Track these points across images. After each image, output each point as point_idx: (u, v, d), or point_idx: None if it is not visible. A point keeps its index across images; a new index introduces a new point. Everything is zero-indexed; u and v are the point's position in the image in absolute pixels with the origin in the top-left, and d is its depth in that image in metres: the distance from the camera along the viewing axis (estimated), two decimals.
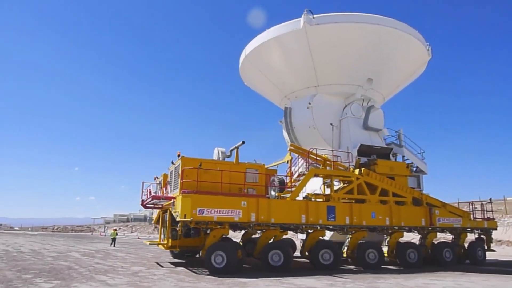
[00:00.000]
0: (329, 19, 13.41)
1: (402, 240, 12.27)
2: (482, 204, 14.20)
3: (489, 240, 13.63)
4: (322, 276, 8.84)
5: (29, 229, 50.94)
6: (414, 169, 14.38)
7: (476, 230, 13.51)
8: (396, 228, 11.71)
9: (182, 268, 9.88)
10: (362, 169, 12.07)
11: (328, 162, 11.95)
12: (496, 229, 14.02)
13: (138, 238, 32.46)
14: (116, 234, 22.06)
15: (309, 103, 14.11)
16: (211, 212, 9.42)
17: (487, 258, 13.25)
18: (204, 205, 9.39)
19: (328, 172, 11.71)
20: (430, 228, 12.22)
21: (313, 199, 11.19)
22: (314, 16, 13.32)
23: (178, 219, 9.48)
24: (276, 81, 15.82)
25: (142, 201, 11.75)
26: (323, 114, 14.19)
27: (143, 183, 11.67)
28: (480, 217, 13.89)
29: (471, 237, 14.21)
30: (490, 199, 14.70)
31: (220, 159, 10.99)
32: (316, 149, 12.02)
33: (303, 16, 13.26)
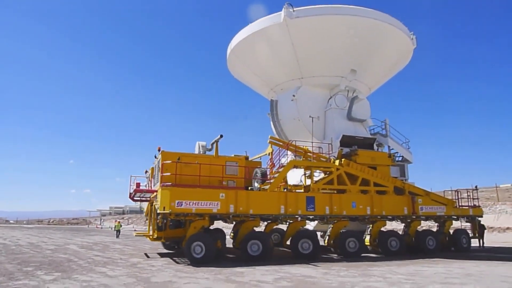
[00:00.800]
0: (310, 11, 13.44)
1: (387, 228, 12.34)
2: (468, 192, 14.18)
3: (475, 227, 13.66)
4: (317, 264, 9.03)
5: (25, 222, 51.51)
6: (400, 158, 14.54)
7: (462, 218, 13.51)
8: (379, 217, 11.77)
9: (180, 258, 10.03)
10: (343, 159, 12.18)
11: (309, 154, 12.06)
12: (481, 217, 13.98)
13: (135, 230, 32.94)
14: (120, 226, 22.72)
15: (293, 95, 14.29)
16: (189, 204, 9.66)
17: (475, 245, 13.34)
18: (182, 197, 9.64)
19: (308, 164, 11.88)
20: (414, 217, 12.30)
21: (293, 191, 11.46)
22: (295, 9, 13.37)
23: (158, 211, 9.80)
24: (262, 74, 15.97)
25: (130, 194, 12.05)
26: (307, 106, 14.34)
27: (131, 176, 12.01)
28: (467, 205, 13.78)
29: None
30: (476, 187, 14.65)
31: (201, 152, 11.20)
32: (295, 141, 12.21)
33: (283, 9, 13.31)
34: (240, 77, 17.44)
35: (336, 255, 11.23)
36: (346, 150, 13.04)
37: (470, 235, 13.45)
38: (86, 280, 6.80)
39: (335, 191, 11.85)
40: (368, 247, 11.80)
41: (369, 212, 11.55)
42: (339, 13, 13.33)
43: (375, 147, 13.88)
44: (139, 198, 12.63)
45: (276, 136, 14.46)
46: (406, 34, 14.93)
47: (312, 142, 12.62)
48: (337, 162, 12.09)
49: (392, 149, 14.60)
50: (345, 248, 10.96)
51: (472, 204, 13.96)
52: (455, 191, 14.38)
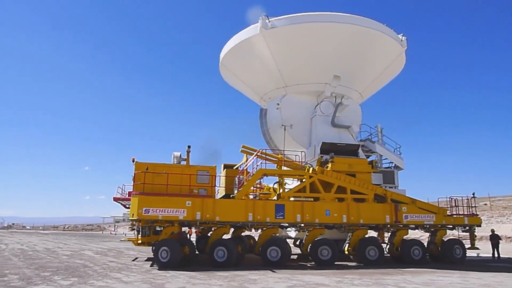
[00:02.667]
0: (284, 21, 13.64)
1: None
2: (462, 200, 13.15)
3: (472, 237, 12.79)
4: (328, 271, 9.18)
5: (41, 228, 53.48)
6: (392, 165, 14.27)
7: (459, 227, 12.79)
8: (361, 225, 11.55)
9: (194, 266, 10.15)
10: (317, 167, 12.18)
11: (284, 162, 12.25)
12: (479, 226, 13.06)
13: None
14: None
15: (278, 104, 14.56)
16: (156, 212, 10.32)
17: (472, 256, 12.81)
18: (149, 205, 10.32)
19: (277, 172, 12.06)
20: (401, 226, 11.93)
21: (263, 199, 11.63)
22: (271, 19, 13.66)
23: (129, 218, 10.62)
24: (250, 84, 16.43)
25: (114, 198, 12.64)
26: (292, 114, 14.52)
27: (117, 187, 12.68)
28: (465, 213, 12.93)
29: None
30: (473, 194, 13.54)
31: (175, 162, 11.79)
32: (266, 149, 12.48)
33: (259, 20, 13.70)
34: (234, 86, 17.84)
35: (309, 263, 11.21)
36: (326, 157, 12.96)
37: (468, 246, 12.48)
38: (102, 285, 7.00)
39: (312, 199, 11.84)
40: (351, 256, 11.68)
41: (346, 220, 11.41)
42: (315, 21, 13.38)
43: (360, 153, 13.58)
44: (125, 205, 13.21)
45: (266, 145, 14.87)
46: (393, 37, 14.60)
47: (283, 151, 12.79)
48: (311, 170, 12.13)
49: (380, 155, 14.35)
50: (317, 256, 10.97)
51: (470, 213, 13.08)
52: (449, 199, 13.41)
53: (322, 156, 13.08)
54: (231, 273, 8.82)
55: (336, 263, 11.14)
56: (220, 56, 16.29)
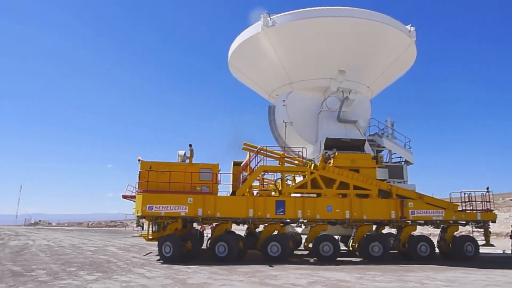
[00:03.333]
0: (286, 18, 13.62)
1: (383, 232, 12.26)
2: (474, 195, 12.55)
3: (487, 233, 12.32)
4: (350, 266, 9.23)
5: (66, 224, 53.97)
6: (402, 159, 13.97)
7: (473, 223, 12.38)
8: (365, 221, 11.50)
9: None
10: (319, 163, 12.23)
11: (286, 159, 12.37)
12: (494, 222, 12.55)
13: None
14: None
15: (284, 101, 14.64)
16: (159, 208, 10.85)
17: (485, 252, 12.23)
18: (152, 202, 10.87)
19: (279, 168, 12.18)
20: (408, 222, 11.75)
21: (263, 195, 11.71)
22: (273, 16, 13.69)
23: (135, 214, 11.19)
24: (258, 81, 16.59)
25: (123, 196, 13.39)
26: (298, 110, 14.53)
27: (128, 185, 13.36)
28: (480, 208, 12.40)
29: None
30: (488, 188, 12.93)
31: (180, 161, 12.22)
32: (268, 146, 12.58)
33: (261, 18, 13.78)
34: (244, 83, 17.99)
35: (311, 259, 11.36)
36: (330, 153, 12.91)
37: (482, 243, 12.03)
38: (126, 280, 7.18)
39: (316, 195, 11.88)
40: (357, 252, 11.72)
41: (348, 216, 11.38)
42: (316, 16, 13.26)
43: (367, 148, 13.35)
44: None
45: (275, 142, 15.00)
46: (398, 28, 14.17)
47: (284, 147, 12.95)
48: (312, 166, 12.19)
49: (389, 150, 14.07)
50: (319, 251, 11.08)
51: (485, 208, 12.52)
52: (463, 194, 12.83)
53: (326, 152, 13.04)
54: (252, 269, 8.96)
55: (339, 259, 11.14)
56: (228, 55, 16.51)
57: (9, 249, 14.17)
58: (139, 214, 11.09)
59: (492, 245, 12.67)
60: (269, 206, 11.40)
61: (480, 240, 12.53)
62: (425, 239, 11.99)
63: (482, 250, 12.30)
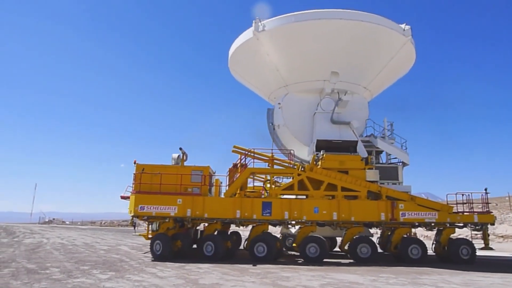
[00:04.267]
0: (275, 22, 13.83)
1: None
2: (470, 196, 12.30)
3: (485, 236, 11.94)
4: (364, 268, 9.24)
5: (79, 223, 54.08)
6: (399, 160, 13.84)
7: (471, 225, 11.97)
8: (354, 223, 11.57)
9: (227, 264, 10.38)
10: (306, 165, 12.41)
11: (276, 161, 12.65)
12: (493, 224, 12.15)
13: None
14: None
15: (279, 103, 14.92)
16: (150, 209, 11.55)
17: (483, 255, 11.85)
18: (144, 202, 11.57)
19: (265, 171, 12.55)
20: (400, 223, 11.61)
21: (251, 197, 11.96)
22: (263, 21, 13.99)
23: (128, 214, 11.84)
24: (256, 84, 16.92)
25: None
26: (294, 113, 14.70)
27: (127, 186, 13.65)
28: (479, 210, 12.21)
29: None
30: (486, 190, 12.54)
31: (173, 163, 12.78)
32: (256, 149, 12.91)
33: (253, 23, 14.10)
34: (245, 85, 18.24)
35: (299, 260, 11.44)
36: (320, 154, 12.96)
37: (481, 246, 11.72)
38: (138, 280, 7.30)
39: (306, 196, 12.07)
40: (346, 253, 11.77)
41: (336, 217, 11.46)
42: (304, 19, 13.37)
43: (361, 149, 13.36)
44: None
45: (275, 145, 15.25)
46: (389, 27, 13.95)
47: (272, 150, 13.20)
48: (300, 168, 12.33)
49: (382, 151, 13.96)
50: (305, 252, 11.22)
51: (486, 210, 12.20)
52: (459, 195, 12.47)
53: (316, 154, 13.18)
54: (264, 270, 9.03)
55: (326, 260, 11.21)
56: (228, 58, 16.91)
57: (24, 246, 14.70)
58: (132, 214, 11.76)
59: (491, 249, 12.26)
60: (255, 207, 11.72)
61: (478, 244, 12.24)
62: (417, 241, 11.84)
63: (490, 253, 12.13)
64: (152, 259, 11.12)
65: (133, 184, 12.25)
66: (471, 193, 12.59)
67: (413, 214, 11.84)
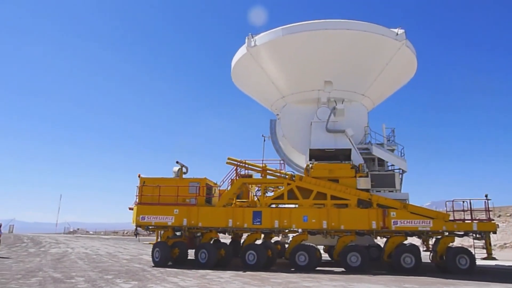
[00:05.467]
0: (265, 38, 14.36)
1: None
2: (467, 203, 11.66)
3: (487, 245, 11.34)
4: (387, 277, 9.12)
5: (102, 233, 53.80)
6: (397, 168, 13.68)
7: (472, 234, 11.46)
8: (344, 231, 11.63)
9: (248, 273, 10.51)
10: (295, 174, 12.75)
11: (268, 171, 13.13)
12: (495, 232, 11.54)
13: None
14: None
15: (277, 115, 15.44)
16: (150, 218, 12.58)
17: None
18: (144, 213, 12.61)
19: (256, 181, 13.09)
20: (393, 232, 11.41)
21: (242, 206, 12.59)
22: (255, 37, 14.57)
23: (132, 224, 12.92)
24: (258, 97, 17.51)
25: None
26: (292, 123, 15.11)
27: (136, 196, 14.60)
28: (483, 218, 11.61)
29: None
30: (486, 196, 11.86)
31: (174, 176, 13.60)
32: (247, 160, 13.46)
33: (246, 40, 14.75)
34: (249, 96, 18.71)
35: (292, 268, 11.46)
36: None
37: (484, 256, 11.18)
38: None
39: (297, 205, 12.35)
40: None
41: (326, 226, 11.63)
42: (292, 32, 13.72)
43: (356, 157, 13.33)
44: None
45: (276, 154, 15.75)
46: (382, 34, 13.87)
47: (262, 160, 13.65)
48: (289, 177, 12.65)
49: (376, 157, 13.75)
50: (295, 261, 11.50)
51: (488, 217, 11.64)
52: (460, 202, 11.94)
53: (309, 163, 13.43)
54: (285, 280, 9.02)
55: (318, 268, 11.33)
56: (231, 71, 17.62)
57: (50, 256, 15.21)
58: (134, 224, 12.86)
59: (494, 258, 11.66)
60: (246, 216, 12.24)
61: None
62: (410, 250, 11.53)
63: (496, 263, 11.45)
64: (152, 265, 11.95)
65: (136, 196, 13.33)
66: (470, 200, 12.04)
67: (405, 222, 11.64)
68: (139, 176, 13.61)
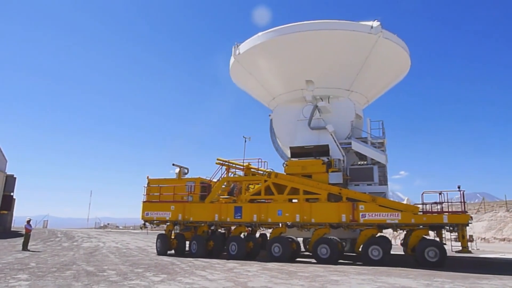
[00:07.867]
0: (247, 45, 15.35)
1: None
2: (446, 195, 11.34)
3: (460, 238, 11.03)
4: (417, 271, 8.88)
5: (131, 227, 54.16)
6: (373, 162, 13.78)
7: (447, 226, 11.14)
8: (317, 224, 12.14)
9: (274, 264, 10.76)
10: (272, 172, 13.57)
11: (252, 170, 14.20)
12: (467, 225, 11.09)
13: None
14: None
15: (269, 115, 16.43)
16: (152, 214, 14.66)
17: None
18: (148, 209, 14.76)
19: (237, 179, 14.29)
20: (363, 225, 11.63)
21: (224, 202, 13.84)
22: (240, 45, 15.68)
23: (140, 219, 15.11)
24: (256, 98, 18.53)
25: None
26: (282, 123, 15.98)
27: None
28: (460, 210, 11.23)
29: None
30: (459, 187, 11.41)
31: (175, 177, 15.36)
32: (232, 159, 14.71)
33: (232, 49, 15.95)
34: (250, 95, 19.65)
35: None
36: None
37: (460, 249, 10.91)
38: (189, 282, 7.42)
39: (286, 201, 13.09)
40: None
41: (298, 219, 12.41)
42: (270, 38, 14.51)
43: (335, 152, 13.80)
44: None
45: (276, 152, 16.59)
46: (353, 30, 13.88)
47: (243, 160, 14.64)
48: (266, 175, 13.58)
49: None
50: (271, 252, 12.46)
51: (463, 210, 11.28)
52: (438, 193, 11.65)
53: (291, 160, 14.24)
54: (312, 273, 9.01)
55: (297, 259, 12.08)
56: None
57: (83, 250, 15.81)
58: (140, 219, 15.19)
59: (469, 252, 11.42)
60: (229, 211, 13.61)
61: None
62: (378, 242, 11.77)
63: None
64: (156, 253, 13.97)
65: (143, 194, 15.49)
66: (447, 191, 11.85)
67: (373, 215, 11.84)
68: (147, 178, 15.74)
